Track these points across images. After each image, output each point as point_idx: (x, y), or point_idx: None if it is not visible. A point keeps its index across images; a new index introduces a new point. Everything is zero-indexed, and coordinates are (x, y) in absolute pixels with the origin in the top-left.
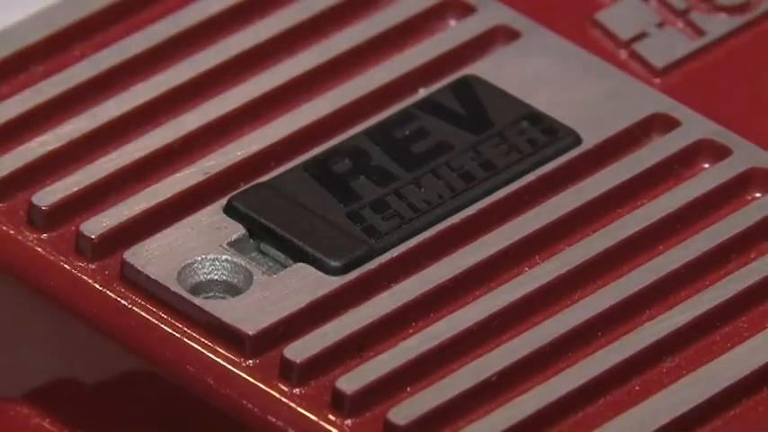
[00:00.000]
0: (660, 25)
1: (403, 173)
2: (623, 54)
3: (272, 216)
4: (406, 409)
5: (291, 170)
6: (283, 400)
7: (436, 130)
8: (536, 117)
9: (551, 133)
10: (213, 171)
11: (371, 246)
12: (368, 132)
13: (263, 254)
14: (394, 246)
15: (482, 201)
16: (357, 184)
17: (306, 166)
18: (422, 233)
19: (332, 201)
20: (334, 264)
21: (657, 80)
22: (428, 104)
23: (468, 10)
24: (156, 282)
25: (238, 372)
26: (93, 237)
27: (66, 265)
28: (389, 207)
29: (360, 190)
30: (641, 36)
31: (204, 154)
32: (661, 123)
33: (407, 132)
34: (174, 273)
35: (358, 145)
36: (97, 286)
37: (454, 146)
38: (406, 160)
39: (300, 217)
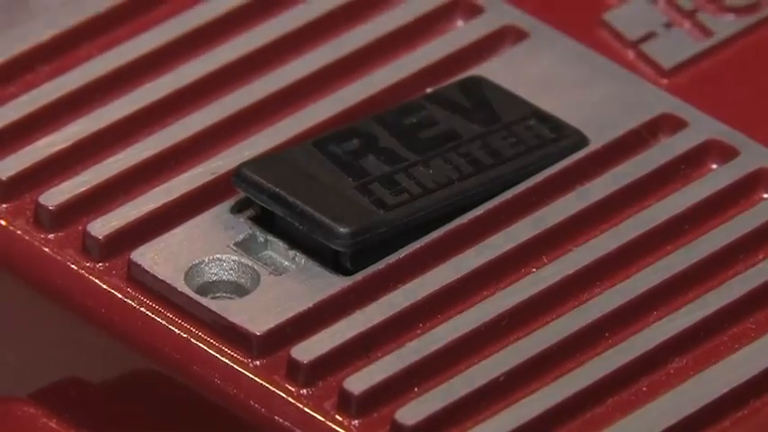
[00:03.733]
0: (668, 26)
1: (411, 155)
2: (631, 54)
3: (281, 184)
4: (414, 410)
5: (301, 145)
6: (290, 400)
7: (444, 120)
8: (543, 117)
9: (558, 132)
10: (220, 171)
11: (380, 216)
12: (377, 119)
13: (271, 250)
14: (402, 219)
15: (490, 201)
16: (366, 162)
17: (315, 143)
18: (429, 212)
19: (341, 175)
20: (343, 230)
21: (665, 80)
22: (436, 98)
23: (477, 10)
24: (163, 282)
25: (245, 372)
26: (100, 237)
27: (73, 266)
28: (398, 184)
29: (369, 167)
30: (649, 36)
31: (211, 154)
32: (668, 124)
33: (415, 120)
34: (182, 273)
35: (367, 129)
36: (104, 286)
37: (462, 135)
38: (415, 145)
39: (309, 186)
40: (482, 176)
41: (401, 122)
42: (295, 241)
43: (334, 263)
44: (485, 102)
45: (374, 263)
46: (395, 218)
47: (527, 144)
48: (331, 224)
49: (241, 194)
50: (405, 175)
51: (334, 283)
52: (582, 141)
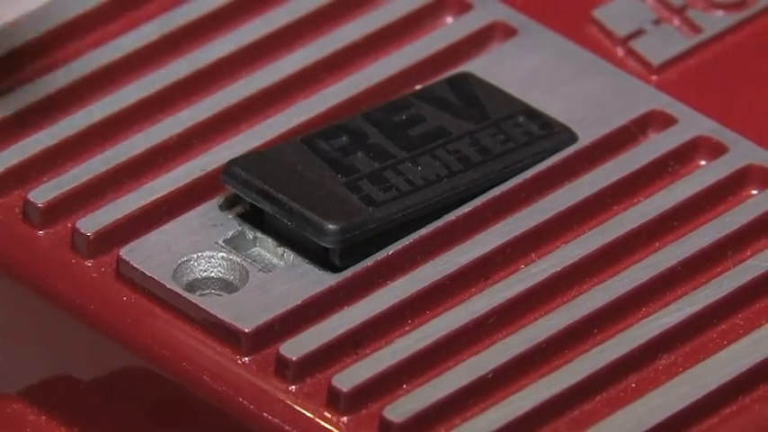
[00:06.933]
0: (657, 22)
1: (400, 152)
2: (620, 51)
3: (270, 181)
4: (402, 406)
5: (289, 142)
6: (279, 397)
7: (433, 117)
8: (532, 114)
9: (547, 129)
10: (209, 168)
11: (369, 213)
12: (365, 115)
13: (260, 248)
14: (391, 216)
15: (478, 198)
16: (355, 159)
17: (304, 139)
18: (418, 209)
19: (329, 172)
20: (332, 227)
21: (654, 77)
22: (425, 95)
23: (466, 7)
24: (152, 279)
25: (234, 369)
26: (89, 234)
27: (62, 262)
28: (387, 181)
29: (358, 164)
30: (638, 33)
31: (200, 151)
32: (657, 120)
33: (404, 117)
34: (171, 270)
35: (356, 125)
36: (93, 283)
37: (451, 132)
38: (404, 142)
39: (298, 183)
40: (471, 173)
41: (390, 119)
42: (284, 238)
43: (322, 260)
44: (474, 98)
45: (363, 259)
46: (383, 215)
47: (516, 141)
48: (320, 221)
49: (230, 191)
50: (393, 172)
51: (323, 281)
52: (571, 138)
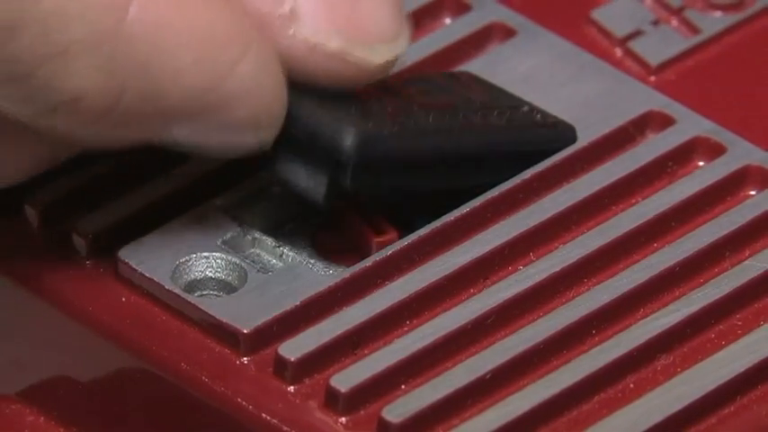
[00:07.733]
0: (655, 23)
1: (410, 106)
2: (618, 52)
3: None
4: (401, 407)
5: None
6: (278, 397)
7: (440, 94)
8: (534, 110)
9: (552, 120)
10: (209, 168)
11: (385, 131)
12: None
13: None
14: (403, 137)
15: (478, 198)
16: (368, 104)
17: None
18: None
19: (342, 102)
20: (350, 138)
21: (652, 77)
22: (431, 81)
23: (464, 8)
24: (150, 280)
25: (233, 369)
26: (88, 234)
27: (60, 264)
28: (397, 117)
29: (371, 106)
30: (636, 34)
31: None
32: (656, 121)
33: (413, 91)
34: (169, 270)
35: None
36: (92, 284)
37: (458, 106)
38: (414, 106)
39: (313, 104)
40: (479, 127)
41: (399, 92)
42: (291, 183)
43: (332, 187)
44: (477, 93)
45: (372, 188)
46: (398, 138)
47: (521, 122)
48: (339, 127)
49: (230, 192)
50: (404, 115)
51: (322, 281)
52: (570, 138)
